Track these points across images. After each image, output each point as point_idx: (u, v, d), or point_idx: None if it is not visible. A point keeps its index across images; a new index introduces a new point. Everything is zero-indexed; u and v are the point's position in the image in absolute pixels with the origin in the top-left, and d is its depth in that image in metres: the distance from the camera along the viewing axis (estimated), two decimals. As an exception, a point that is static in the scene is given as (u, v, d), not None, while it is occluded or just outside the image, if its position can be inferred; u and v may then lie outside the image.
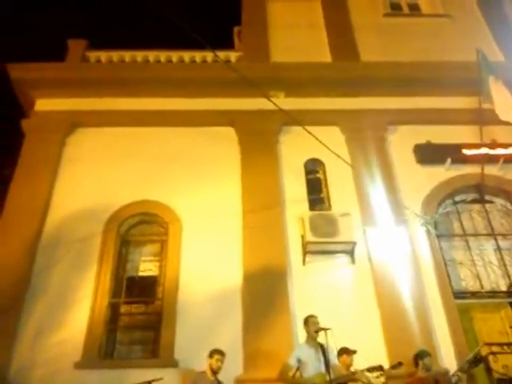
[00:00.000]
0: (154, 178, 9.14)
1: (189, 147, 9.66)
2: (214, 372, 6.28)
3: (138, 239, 8.92)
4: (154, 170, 9.26)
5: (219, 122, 10.00)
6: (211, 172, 9.32)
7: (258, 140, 9.72)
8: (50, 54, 10.70)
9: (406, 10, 12.69)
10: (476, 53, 9.73)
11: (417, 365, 6.78)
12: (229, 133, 9.91)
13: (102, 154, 9.54)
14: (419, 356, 6.78)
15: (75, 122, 9.92)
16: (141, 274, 8.56)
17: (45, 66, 10.37)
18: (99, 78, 10.28)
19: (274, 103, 8.39)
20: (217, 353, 6.35)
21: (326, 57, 11.22)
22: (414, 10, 12.69)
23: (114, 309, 8.04)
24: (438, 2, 12.53)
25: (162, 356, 7.41)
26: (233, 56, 11.21)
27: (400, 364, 6.18)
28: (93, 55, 11.11)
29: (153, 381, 6.05)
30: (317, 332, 6.09)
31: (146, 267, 8.61)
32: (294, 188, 9.21)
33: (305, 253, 8.34)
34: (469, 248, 8.90)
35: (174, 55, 11.04)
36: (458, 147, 9.53)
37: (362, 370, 6.06)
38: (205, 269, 8.13)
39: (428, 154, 9.59)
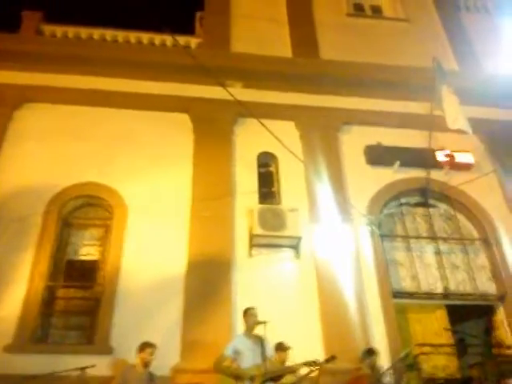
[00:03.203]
0: (102, 161, 8.90)
1: (141, 131, 9.45)
2: (146, 365, 6.21)
3: (81, 222, 8.65)
4: (103, 152, 9.01)
5: (174, 107, 9.85)
6: (162, 158, 9.15)
7: (212, 129, 9.62)
8: (3, 25, 10.24)
9: (368, 11, 12.83)
10: (432, 60, 9.95)
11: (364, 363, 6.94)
12: (183, 119, 9.75)
13: (50, 132, 9.19)
14: (367, 353, 6.94)
15: (25, 96, 9.51)
16: (81, 258, 8.34)
17: (-4, 36, 9.91)
18: (53, 53, 9.86)
19: (230, 93, 8.30)
20: (149, 346, 6.26)
21: (287, 52, 11.17)
22: (376, 12, 12.86)
23: (50, 292, 7.81)
24: (399, 6, 12.75)
25: (97, 343, 7.26)
26: (193, 42, 11.06)
27: (333, 358, 6.29)
28: (48, 29, 10.72)
29: (85, 368, 5.93)
30: (255, 324, 6.10)
31: (88, 251, 8.37)
32: (246, 180, 9.17)
33: (251, 245, 8.35)
34: (410, 249, 9.14)
35: (132, 36, 10.80)
36: (407, 150, 9.76)
37: (299, 364, 6.14)
38: (148, 256, 7.99)
39: (378, 156, 9.76)
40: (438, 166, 9.67)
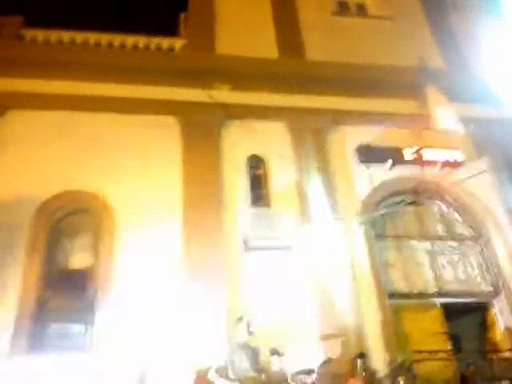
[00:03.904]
0: (89, 167, 8.74)
1: (129, 136, 9.31)
2: None
3: (70, 230, 8.48)
4: (89, 159, 8.84)
5: (162, 111, 9.70)
6: (151, 163, 9.01)
7: (200, 132, 9.49)
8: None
9: (353, 10, 12.77)
10: (418, 60, 9.95)
11: (356, 366, 6.88)
12: (171, 123, 9.62)
13: (35, 139, 8.99)
14: (358, 358, 6.90)
15: (7, 103, 9.28)
16: (72, 266, 8.18)
17: (-25, 43, 9.68)
18: (34, 58, 9.64)
19: (211, 97, 8.14)
20: None
21: (273, 53, 11.06)
22: (361, 10, 12.79)
23: (43, 301, 7.65)
24: (384, 4, 12.68)
25: (92, 350, 7.18)
26: (177, 44, 10.87)
27: (330, 360, 6.27)
28: (28, 33, 10.45)
29: None
30: (250, 333, 6.05)
31: (78, 259, 8.23)
32: (236, 183, 9.10)
33: (244, 249, 8.29)
34: (402, 249, 9.15)
35: (117, 39, 10.57)
36: (398, 150, 9.75)
37: (293, 374, 6.12)
38: (139, 262, 7.89)
39: (369, 156, 9.72)
40: (429, 165, 9.65)
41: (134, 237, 8.17)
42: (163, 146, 9.30)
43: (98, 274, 7.87)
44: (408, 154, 9.71)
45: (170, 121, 9.62)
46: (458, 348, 8.47)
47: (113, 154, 9.01)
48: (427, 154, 9.72)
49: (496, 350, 8.38)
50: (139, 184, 8.70)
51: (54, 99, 9.39)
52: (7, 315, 7.25)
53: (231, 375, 5.94)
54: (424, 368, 7.24)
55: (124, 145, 9.16)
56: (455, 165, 9.80)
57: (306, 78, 10.30)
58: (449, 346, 8.09)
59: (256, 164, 9.60)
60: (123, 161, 8.95)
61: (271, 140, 9.49)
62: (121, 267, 7.90)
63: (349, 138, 10.02)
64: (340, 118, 10.18)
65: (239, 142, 9.53)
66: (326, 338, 6.34)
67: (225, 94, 9.86)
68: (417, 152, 9.71)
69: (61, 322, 7.66)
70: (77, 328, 7.65)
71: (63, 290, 7.88)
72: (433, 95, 9.52)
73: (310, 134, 9.88)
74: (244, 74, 10.06)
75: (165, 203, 8.55)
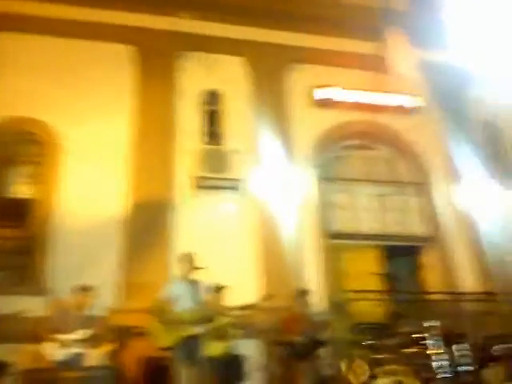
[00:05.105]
0: (34, 93, 8.31)
1: (80, 63, 8.90)
2: (81, 308, 6.21)
3: (12, 158, 8.19)
4: (35, 84, 8.41)
5: (118, 38, 9.25)
6: (102, 92, 8.71)
7: (156, 63, 9.15)
8: None
9: None
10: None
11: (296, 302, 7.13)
12: (127, 52, 9.21)
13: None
14: (300, 293, 7.11)
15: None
16: (13, 195, 7.98)
17: None
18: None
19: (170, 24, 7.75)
20: (83, 289, 6.23)
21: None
22: None
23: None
24: None
25: (33, 283, 7.18)
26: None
27: (269, 297, 6.50)
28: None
29: (19, 312, 5.77)
30: (193, 269, 6.12)
31: (20, 189, 8.04)
32: (189, 119, 8.90)
33: (193, 187, 8.27)
34: (349, 192, 9.39)
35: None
36: (352, 92, 9.75)
37: (234, 308, 6.34)
38: (85, 196, 7.79)
39: (323, 97, 9.68)
40: (379, 109, 9.74)
41: (80, 169, 7.99)
42: (117, 75, 8.97)
43: (41, 206, 7.72)
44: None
45: (126, 49, 9.21)
46: (395, 289, 8.90)
47: (62, 80, 8.65)
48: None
49: (427, 292, 8.86)
50: (89, 114, 8.42)
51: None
52: None
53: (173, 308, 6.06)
54: (358, 307, 7.56)
55: (76, 72, 8.78)
56: (405, 110, 9.91)
57: (270, 11, 9.90)
58: (384, 287, 8.51)
59: (212, 100, 9.37)
60: (73, 89, 8.62)
61: (229, 76, 9.29)
62: (66, 200, 7.75)
63: (309, 78, 9.85)
64: (301, 55, 9.98)
65: (196, 76, 9.25)
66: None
67: (184, 23, 9.43)
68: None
69: (1, 253, 7.56)
70: (17, 260, 7.56)
71: (4, 221, 7.73)
72: (393, 37, 9.39)
73: (269, 71, 9.67)
74: (206, 3, 9.59)
75: (114, 137, 8.35)
